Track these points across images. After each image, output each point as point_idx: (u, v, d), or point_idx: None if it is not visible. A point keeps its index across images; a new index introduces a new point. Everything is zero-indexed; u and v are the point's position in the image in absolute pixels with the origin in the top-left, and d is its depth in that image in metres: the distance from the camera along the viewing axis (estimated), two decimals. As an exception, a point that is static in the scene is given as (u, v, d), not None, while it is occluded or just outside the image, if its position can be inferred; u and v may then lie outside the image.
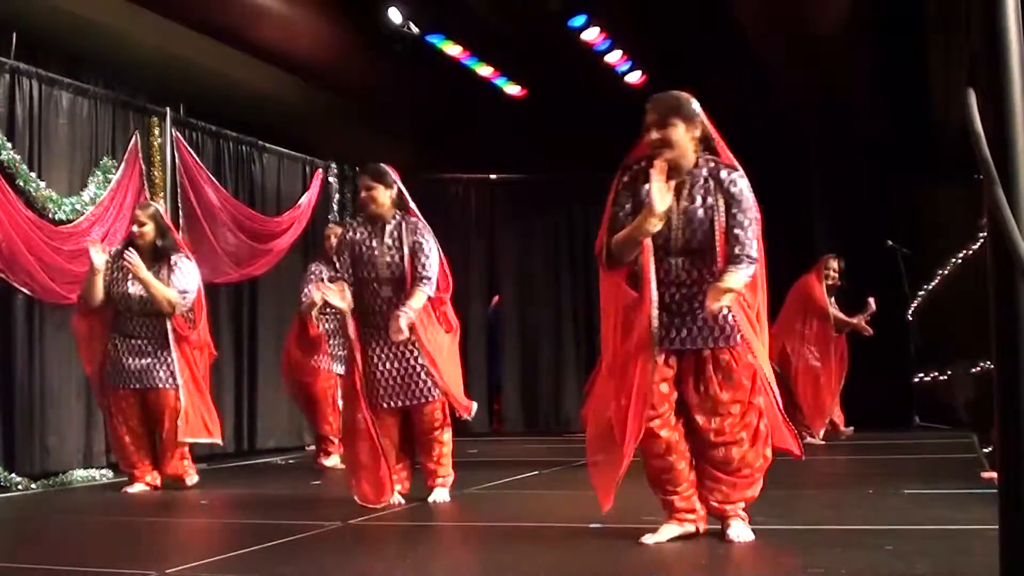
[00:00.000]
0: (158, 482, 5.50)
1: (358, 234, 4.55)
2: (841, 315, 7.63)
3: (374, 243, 4.52)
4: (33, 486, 5.65)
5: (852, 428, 7.84)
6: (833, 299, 7.66)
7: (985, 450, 5.75)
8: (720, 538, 3.20)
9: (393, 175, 4.60)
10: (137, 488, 5.39)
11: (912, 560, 2.78)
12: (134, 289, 5.39)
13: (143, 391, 5.43)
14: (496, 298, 10.63)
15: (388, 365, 4.46)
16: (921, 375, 9.48)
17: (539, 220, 10.61)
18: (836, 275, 7.63)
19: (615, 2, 8.34)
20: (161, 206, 6.91)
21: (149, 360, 5.42)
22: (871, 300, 7.64)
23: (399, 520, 4.13)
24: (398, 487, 4.47)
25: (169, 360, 5.45)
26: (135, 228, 5.47)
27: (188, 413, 5.47)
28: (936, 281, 9.01)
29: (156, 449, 5.51)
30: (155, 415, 5.47)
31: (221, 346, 6.46)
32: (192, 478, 5.57)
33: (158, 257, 5.45)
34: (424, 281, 4.49)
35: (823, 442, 7.42)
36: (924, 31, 8.04)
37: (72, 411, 6.27)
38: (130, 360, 5.41)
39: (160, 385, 5.42)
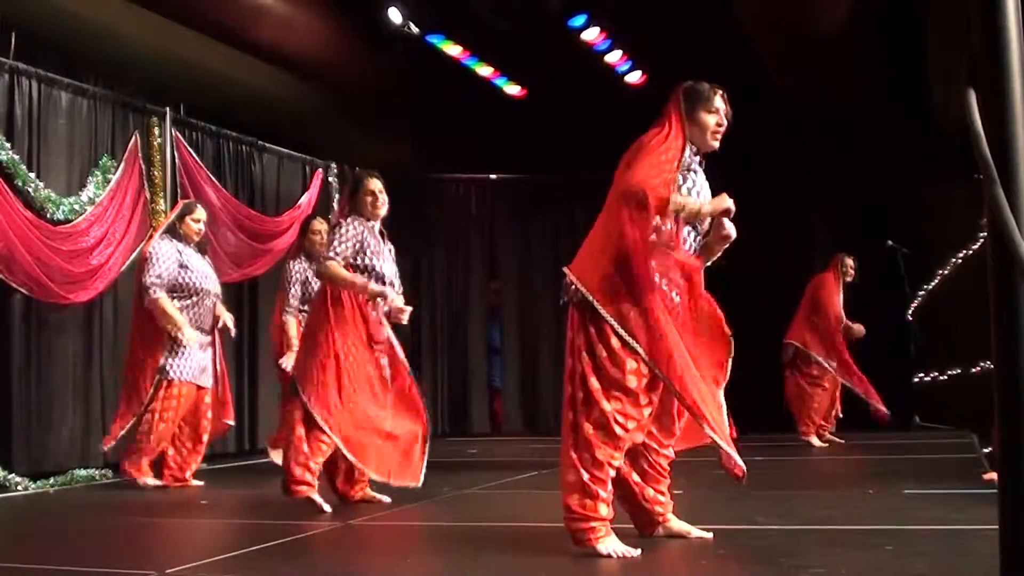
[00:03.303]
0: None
1: (370, 233, 4.52)
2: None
3: (382, 248, 4.55)
4: (33, 486, 5.65)
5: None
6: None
7: (985, 450, 5.75)
8: (723, 539, 3.20)
9: None
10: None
11: (911, 560, 2.78)
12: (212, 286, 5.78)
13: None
14: (494, 285, 10.63)
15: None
16: (921, 375, 9.48)
17: (539, 220, 10.62)
18: (853, 272, 7.65)
19: (615, 2, 8.35)
20: (161, 205, 6.94)
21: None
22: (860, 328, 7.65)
23: (399, 520, 4.13)
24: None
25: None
26: (200, 226, 5.80)
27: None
28: (936, 281, 9.01)
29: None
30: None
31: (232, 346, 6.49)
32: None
33: (201, 251, 5.89)
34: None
35: (825, 445, 7.42)
36: (924, 31, 8.04)
37: (71, 411, 6.27)
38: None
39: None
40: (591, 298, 3.00)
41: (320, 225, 6.27)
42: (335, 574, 3.08)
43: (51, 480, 5.81)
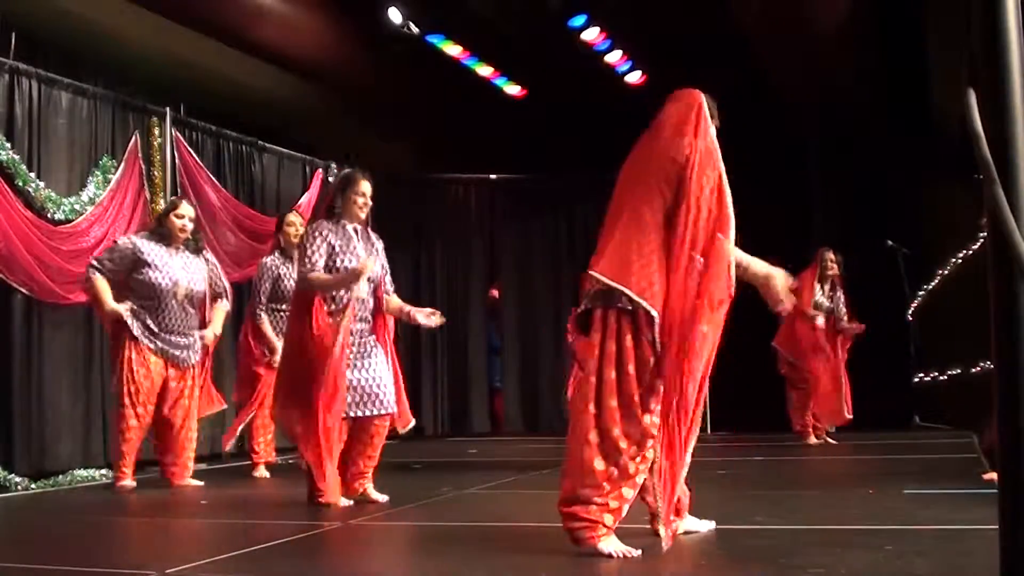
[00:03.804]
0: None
1: (337, 235, 4.47)
2: (843, 314, 7.59)
3: (354, 246, 4.49)
4: (33, 486, 5.65)
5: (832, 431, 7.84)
6: (840, 293, 7.61)
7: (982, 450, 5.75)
8: (723, 539, 3.21)
9: None
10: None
11: (912, 560, 2.78)
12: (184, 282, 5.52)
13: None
14: (494, 292, 10.63)
15: (357, 372, 4.47)
16: (921, 375, 9.48)
17: (539, 220, 10.62)
18: (836, 266, 7.61)
19: (615, 2, 8.35)
20: (161, 205, 6.94)
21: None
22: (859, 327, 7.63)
23: (399, 520, 4.13)
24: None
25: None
26: (184, 223, 5.56)
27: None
28: (936, 281, 9.01)
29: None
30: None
31: (221, 346, 6.44)
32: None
33: (193, 251, 5.67)
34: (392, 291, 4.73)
35: (819, 442, 7.44)
36: (924, 31, 8.04)
37: (71, 411, 6.27)
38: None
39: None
40: (649, 307, 2.93)
41: (294, 218, 6.22)
42: (335, 574, 3.08)
43: (51, 480, 5.81)
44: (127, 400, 5.36)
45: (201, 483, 5.64)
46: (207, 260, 5.81)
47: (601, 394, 2.95)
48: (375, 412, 4.48)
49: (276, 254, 6.10)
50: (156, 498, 5.21)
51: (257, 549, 3.33)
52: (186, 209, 5.64)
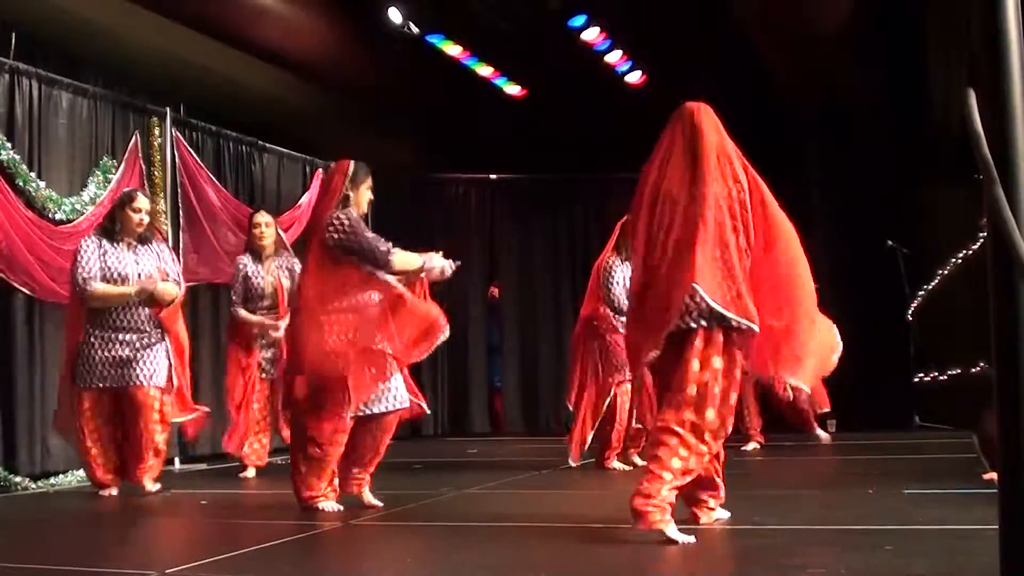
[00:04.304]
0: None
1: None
2: None
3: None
4: (33, 486, 5.65)
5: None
6: None
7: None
8: (723, 539, 3.21)
9: None
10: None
11: (912, 560, 2.78)
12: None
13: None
14: (494, 290, 10.62)
15: None
16: (921, 375, 9.48)
17: (539, 220, 10.62)
18: None
19: (615, 2, 8.35)
20: (162, 205, 6.94)
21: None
22: None
23: (399, 520, 4.13)
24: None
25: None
26: (141, 216, 5.30)
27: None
28: (936, 281, 9.01)
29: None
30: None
31: (220, 346, 6.44)
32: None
33: (142, 241, 5.36)
34: None
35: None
36: (924, 31, 8.04)
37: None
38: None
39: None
40: (753, 325, 3.18)
41: (262, 218, 6.18)
42: (335, 574, 3.08)
43: (51, 480, 5.81)
44: (79, 424, 5.21)
45: (158, 487, 5.28)
46: (158, 252, 5.45)
47: (703, 403, 3.14)
48: (387, 409, 4.31)
49: (246, 254, 6.16)
50: (155, 499, 5.21)
51: (257, 549, 3.33)
52: (143, 202, 5.36)
